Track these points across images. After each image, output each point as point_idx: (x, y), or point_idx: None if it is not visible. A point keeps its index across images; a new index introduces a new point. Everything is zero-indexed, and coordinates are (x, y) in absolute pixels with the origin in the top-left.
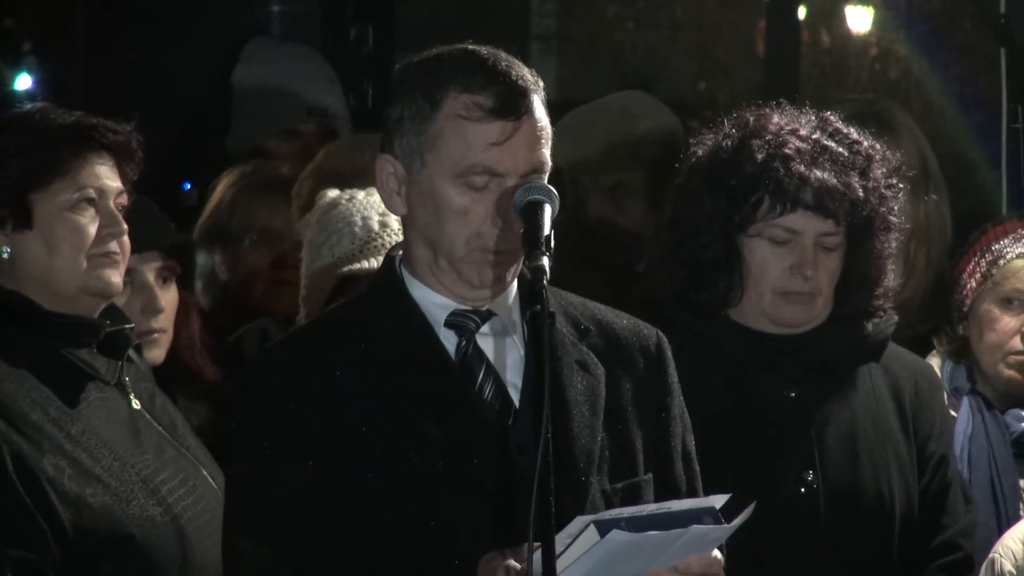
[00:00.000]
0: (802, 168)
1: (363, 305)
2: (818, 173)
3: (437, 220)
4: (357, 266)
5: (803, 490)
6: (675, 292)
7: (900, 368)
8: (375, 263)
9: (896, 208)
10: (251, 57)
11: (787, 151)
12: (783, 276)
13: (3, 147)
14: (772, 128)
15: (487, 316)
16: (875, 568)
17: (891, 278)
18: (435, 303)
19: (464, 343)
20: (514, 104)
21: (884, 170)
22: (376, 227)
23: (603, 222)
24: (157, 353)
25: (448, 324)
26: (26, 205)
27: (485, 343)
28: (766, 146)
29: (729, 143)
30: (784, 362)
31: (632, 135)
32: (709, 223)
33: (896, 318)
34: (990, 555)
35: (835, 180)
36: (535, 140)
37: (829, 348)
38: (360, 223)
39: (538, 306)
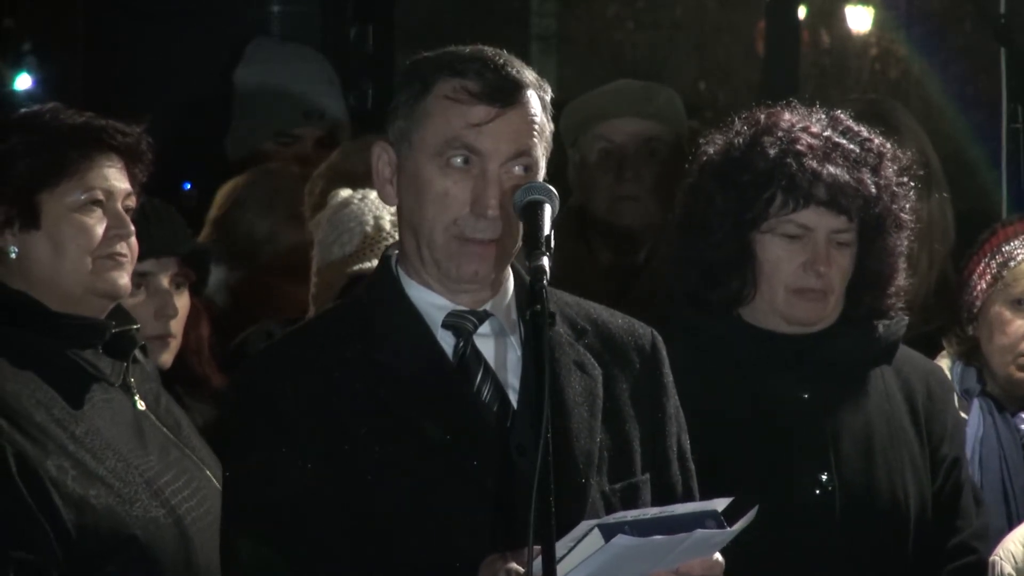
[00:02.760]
0: (815, 164)
1: (360, 305)
2: (831, 169)
3: (419, 204)
4: (368, 265)
5: (819, 492)
6: (686, 292)
7: (912, 370)
8: None
9: (907, 206)
10: (252, 58)
11: (799, 147)
12: (796, 273)
13: (12, 147)
14: (784, 125)
15: (484, 317)
16: (890, 570)
17: (902, 277)
18: (432, 303)
19: (462, 344)
20: (502, 92)
21: (895, 168)
22: (388, 226)
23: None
24: (166, 357)
25: (446, 325)
26: (34, 205)
27: (483, 344)
28: (778, 142)
29: (741, 141)
30: (796, 363)
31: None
32: (721, 221)
33: (907, 320)
34: (991, 557)
35: (847, 176)
36: (522, 130)
37: (841, 349)
38: (372, 222)
39: (538, 306)
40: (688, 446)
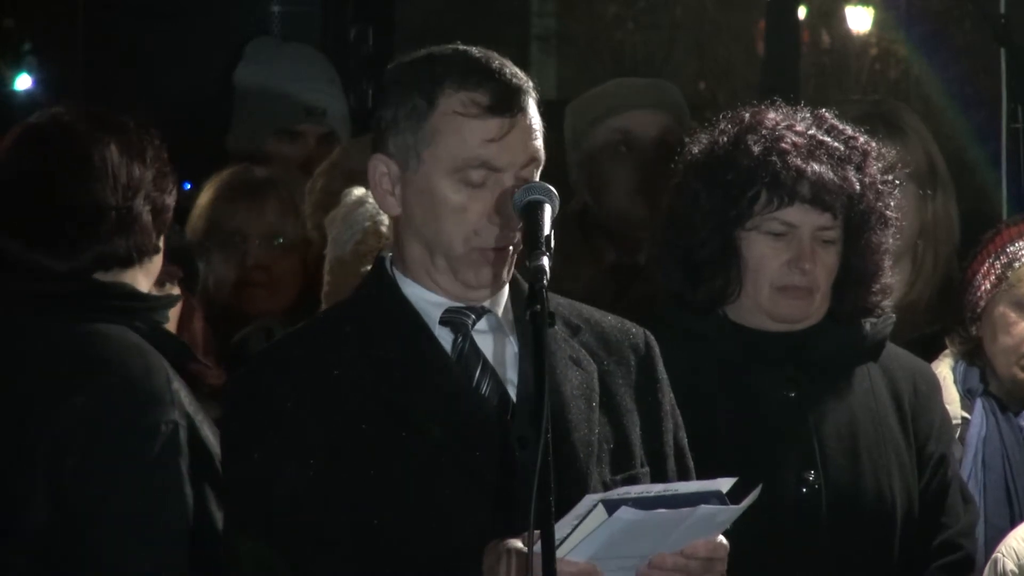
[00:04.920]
0: (799, 161)
1: (357, 305)
2: (815, 167)
3: (434, 218)
4: None
5: (805, 490)
6: (672, 291)
7: (898, 368)
8: None
9: (893, 204)
10: (252, 57)
11: (784, 145)
12: (781, 270)
13: (155, 158)
14: (768, 124)
15: (482, 312)
16: (876, 568)
17: (889, 275)
18: (429, 301)
19: (460, 340)
20: (509, 101)
21: (880, 166)
22: None
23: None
24: None
25: (443, 321)
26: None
27: (480, 339)
28: (762, 140)
29: (725, 139)
30: (783, 362)
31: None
32: (705, 219)
33: (894, 318)
34: (993, 555)
35: (831, 174)
36: (530, 136)
37: (827, 347)
38: (386, 222)
39: (538, 306)
40: (685, 443)
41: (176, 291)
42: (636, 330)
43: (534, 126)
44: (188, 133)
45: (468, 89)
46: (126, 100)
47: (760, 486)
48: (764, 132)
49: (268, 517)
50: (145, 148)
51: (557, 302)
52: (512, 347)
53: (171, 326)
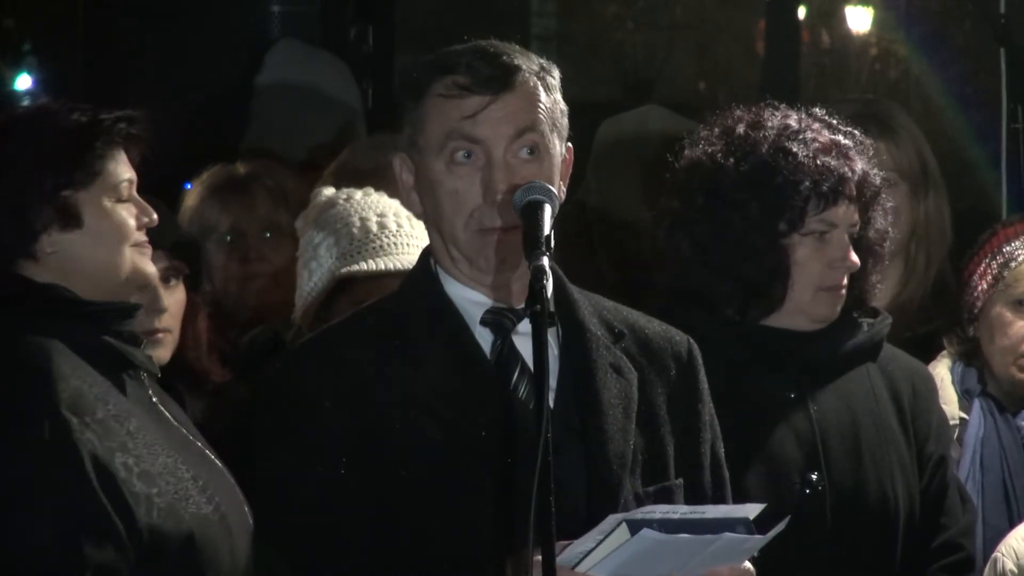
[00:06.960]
0: (837, 161)
1: (397, 302)
2: (855, 164)
3: (436, 205)
4: (355, 267)
5: (808, 491)
6: (718, 309)
7: (897, 368)
8: (373, 265)
9: (888, 192)
10: (275, 62)
11: (817, 146)
12: (824, 271)
13: (38, 152)
14: (794, 126)
15: (523, 314)
16: (879, 569)
17: (886, 262)
18: (471, 300)
19: (500, 342)
20: (493, 80)
21: (872, 153)
22: (374, 228)
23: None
24: (162, 353)
25: (484, 322)
26: (72, 206)
27: (521, 342)
28: (802, 144)
29: (766, 147)
30: (784, 363)
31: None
32: (755, 230)
33: (890, 318)
34: (993, 554)
35: (865, 168)
36: (522, 110)
37: (828, 348)
38: (358, 224)
39: (538, 306)
40: (722, 454)
41: (170, 295)
42: (680, 338)
43: (532, 103)
44: (189, 133)
45: (453, 73)
46: (126, 100)
47: (788, 517)
48: (792, 134)
49: (297, 511)
50: (44, 164)
51: (603, 306)
52: (552, 351)
53: (174, 324)
